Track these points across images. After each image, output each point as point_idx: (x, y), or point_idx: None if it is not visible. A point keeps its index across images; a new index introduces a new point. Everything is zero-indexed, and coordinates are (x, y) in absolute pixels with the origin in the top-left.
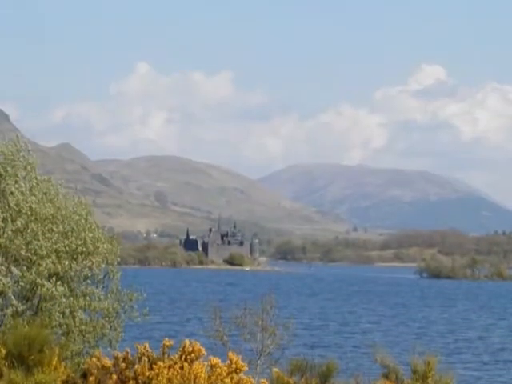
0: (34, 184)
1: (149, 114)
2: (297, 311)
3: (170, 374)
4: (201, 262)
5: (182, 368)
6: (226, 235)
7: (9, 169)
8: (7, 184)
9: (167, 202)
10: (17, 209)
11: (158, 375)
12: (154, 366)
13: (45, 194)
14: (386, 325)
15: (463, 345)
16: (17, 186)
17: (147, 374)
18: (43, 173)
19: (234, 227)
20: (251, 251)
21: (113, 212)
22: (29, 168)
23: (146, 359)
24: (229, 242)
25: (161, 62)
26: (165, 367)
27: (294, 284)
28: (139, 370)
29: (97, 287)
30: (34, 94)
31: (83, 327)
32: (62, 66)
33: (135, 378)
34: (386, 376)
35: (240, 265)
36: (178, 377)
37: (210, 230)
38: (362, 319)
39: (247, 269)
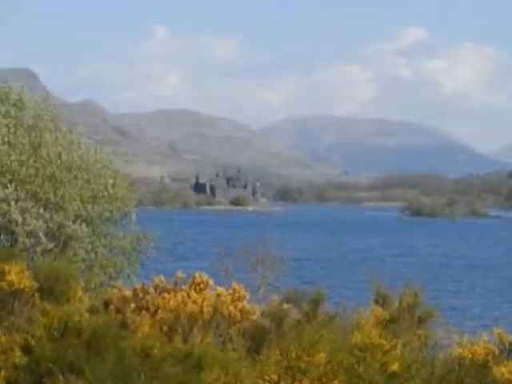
0: (59, 135)
1: (164, 73)
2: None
3: (174, 302)
4: (209, 203)
5: (189, 296)
6: (231, 179)
7: (39, 122)
8: (37, 136)
9: (179, 150)
10: (47, 159)
11: (164, 304)
12: (161, 295)
13: (68, 144)
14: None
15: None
16: (47, 137)
17: (156, 302)
18: (68, 126)
19: (239, 172)
20: (253, 193)
21: (131, 160)
22: (55, 121)
23: (159, 290)
24: (234, 186)
25: (175, 26)
26: (171, 296)
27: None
28: (149, 299)
29: (116, 227)
30: (62, 55)
31: (104, 262)
32: (87, 26)
33: (147, 308)
34: (377, 301)
35: (244, 205)
36: (190, 304)
37: (217, 174)
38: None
39: (250, 209)
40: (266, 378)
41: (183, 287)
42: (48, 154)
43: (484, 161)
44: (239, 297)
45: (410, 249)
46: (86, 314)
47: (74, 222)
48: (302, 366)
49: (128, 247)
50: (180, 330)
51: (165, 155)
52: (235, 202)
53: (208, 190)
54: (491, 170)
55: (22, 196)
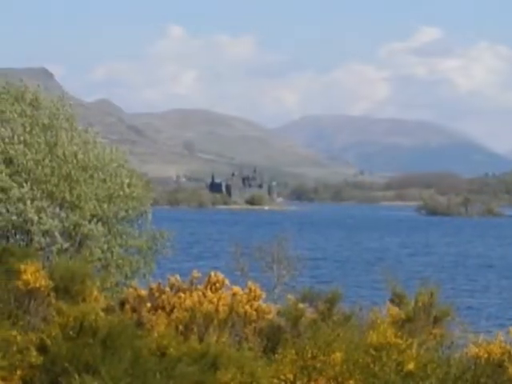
0: (75, 134)
1: (180, 72)
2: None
3: (190, 301)
4: (225, 203)
5: (204, 295)
6: (247, 179)
7: (54, 122)
8: (53, 136)
9: (194, 150)
10: (63, 158)
11: (180, 303)
12: (177, 294)
13: (84, 143)
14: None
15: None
16: (63, 137)
17: (172, 301)
18: (84, 125)
19: (254, 171)
20: (269, 193)
21: (146, 159)
22: (71, 120)
23: (175, 289)
24: (249, 185)
25: (191, 25)
26: (187, 295)
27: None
28: (165, 298)
29: (131, 226)
30: (77, 54)
31: (120, 261)
32: (103, 26)
33: (163, 307)
34: (393, 301)
35: (260, 205)
36: (205, 303)
37: (233, 174)
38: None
39: (266, 208)
40: (282, 377)
41: (199, 286)
42: (64, 154)
43: (499, 160)
44: (255, 296)
45: (426, 248)
46: (102, 314)
47: (89, 222)
48: (318, 365)
49: (144, 246)
50: (196, 330)
51: (180, 155)
52: (251, 201)
53: (224, 189)
54: (506, 170)
55: (38, 195)
